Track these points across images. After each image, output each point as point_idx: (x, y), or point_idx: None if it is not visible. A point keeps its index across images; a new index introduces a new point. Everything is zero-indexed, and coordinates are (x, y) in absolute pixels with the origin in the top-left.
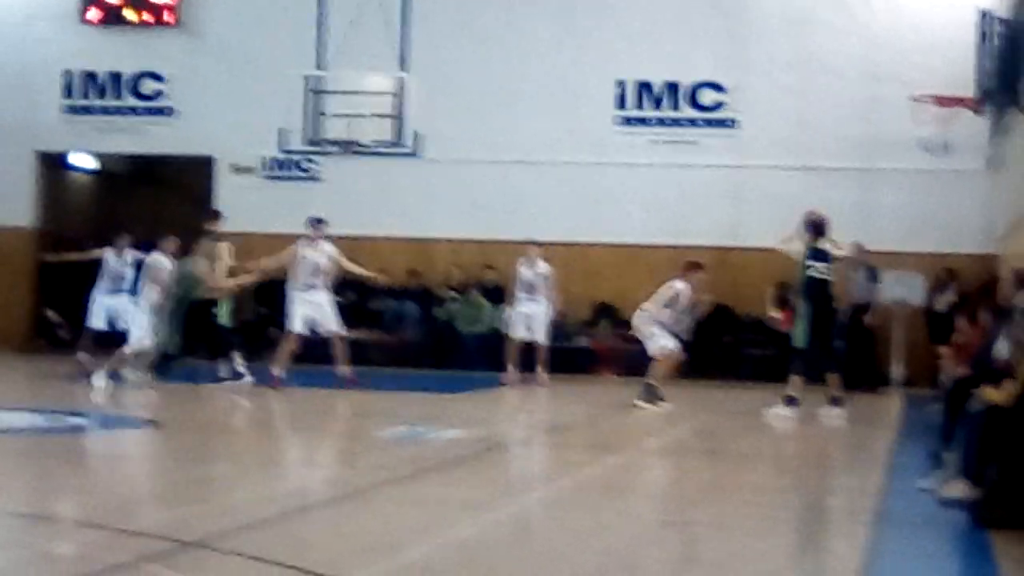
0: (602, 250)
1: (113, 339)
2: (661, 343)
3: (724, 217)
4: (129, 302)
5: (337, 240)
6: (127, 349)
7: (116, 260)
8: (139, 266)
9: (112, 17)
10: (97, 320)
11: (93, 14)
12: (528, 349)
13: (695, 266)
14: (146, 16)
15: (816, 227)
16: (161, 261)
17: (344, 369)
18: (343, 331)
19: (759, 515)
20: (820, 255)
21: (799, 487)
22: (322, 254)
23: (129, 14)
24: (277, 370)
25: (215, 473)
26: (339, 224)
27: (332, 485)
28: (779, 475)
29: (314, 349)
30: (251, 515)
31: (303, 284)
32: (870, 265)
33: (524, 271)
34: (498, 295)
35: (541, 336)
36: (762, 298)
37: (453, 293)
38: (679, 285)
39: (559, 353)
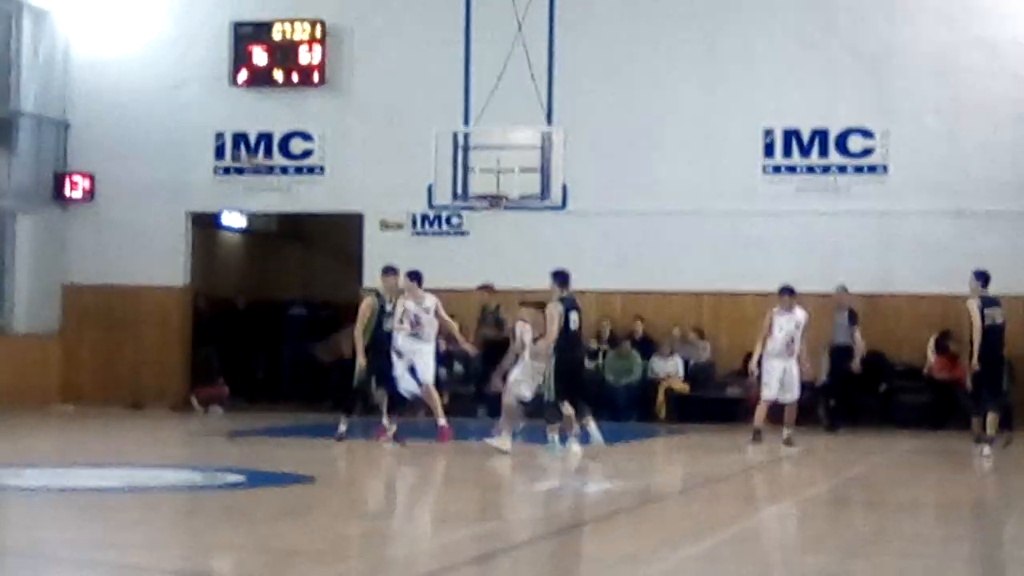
0: (752, 299)
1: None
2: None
3: (874, 263)
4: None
5: (488, 293)
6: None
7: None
8: None
9: (261, 79)
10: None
11: (242, 76)
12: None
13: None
14: (294, 76)
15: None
16: None
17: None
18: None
19: (922, 566)
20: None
21: (964, 537)
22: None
23: (277, 75)
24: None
25: (369, 529)
26: (486, 278)
27: (487, 540)
28: (941, 525)
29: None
30: (406, 571)
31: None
32: (852, 309)
33: None
34: (647, 346)
35: None
36: (915, 344)
37: (602, 345)
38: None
39: (710, 403)
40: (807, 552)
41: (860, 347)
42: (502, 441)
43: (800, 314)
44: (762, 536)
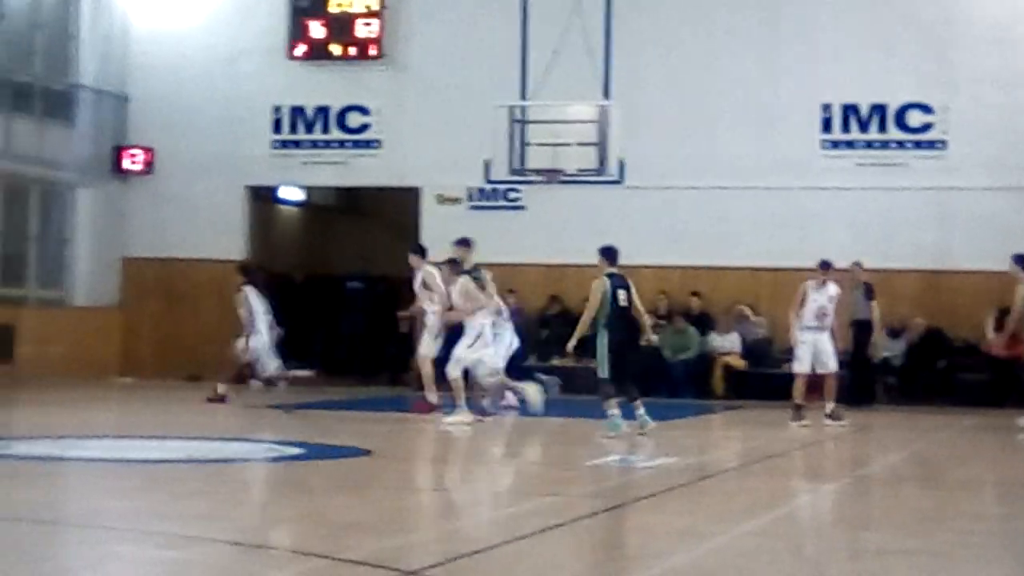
0: (809, 275)
1: None
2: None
3: (933, 240)
4: None
5: (543, 268)
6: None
7: None
8: None
9: (318, 52)
10: None
11: (299, 50)
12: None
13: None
14: (351, 50)
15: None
16: None
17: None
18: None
19: (981, 544)
20: None
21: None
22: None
23: (335, 48)
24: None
25: (428, 502)
26: (543, 252)
27: (544, 514)
28: (1000, 502)
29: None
30: (464, 545)
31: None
32: (868, 284)
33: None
34: (704, 322)
35: None
36: (973, 321)
37: (659, 320)
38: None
39: (767, 379)
40: (863, 529)
41: (877, 322)
42: (458, 417)
43: (833, 288)
44: (818, 512)
